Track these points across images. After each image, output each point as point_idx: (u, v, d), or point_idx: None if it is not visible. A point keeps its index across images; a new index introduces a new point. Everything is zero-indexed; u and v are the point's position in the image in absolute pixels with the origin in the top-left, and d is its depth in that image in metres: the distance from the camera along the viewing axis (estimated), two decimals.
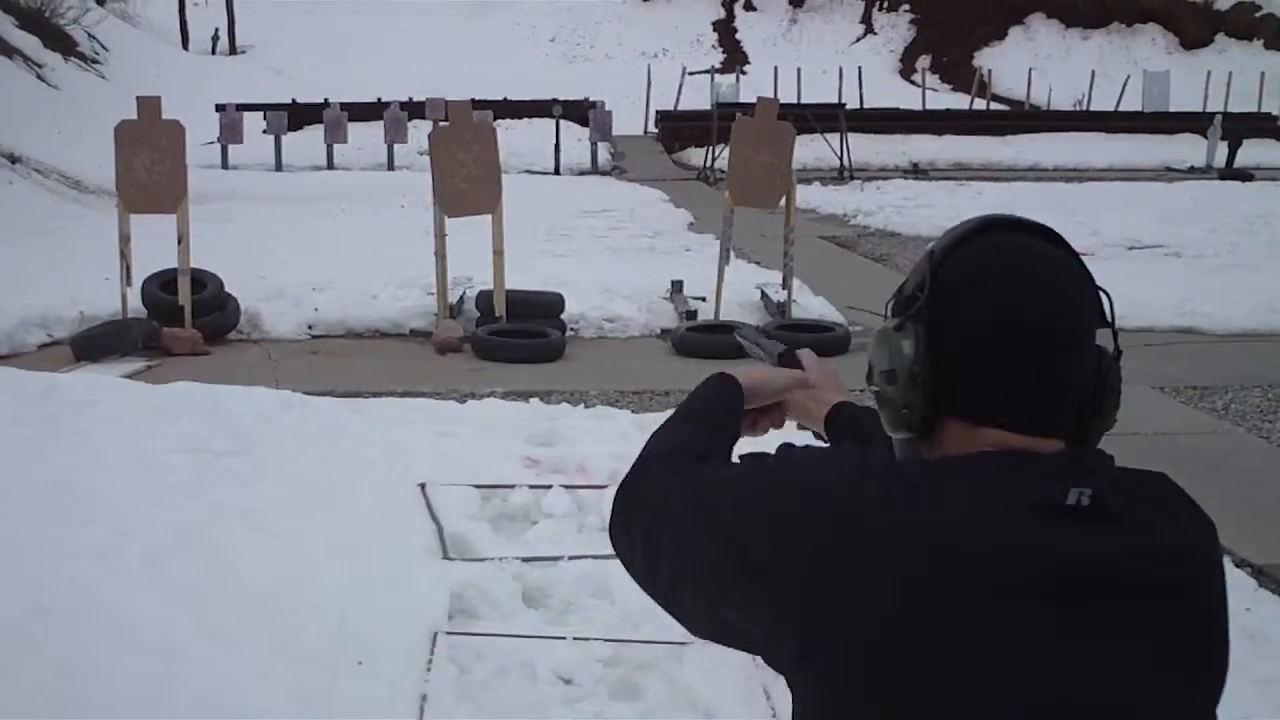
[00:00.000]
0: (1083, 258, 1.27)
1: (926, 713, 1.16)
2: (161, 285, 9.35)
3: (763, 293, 10.45)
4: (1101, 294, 1.27)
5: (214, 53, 36.80)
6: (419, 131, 20.31)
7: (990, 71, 33.19)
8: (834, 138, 23.40)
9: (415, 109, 23.43)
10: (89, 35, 27.50)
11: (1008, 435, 1.24)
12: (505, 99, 25.61)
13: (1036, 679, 1.16)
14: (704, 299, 10.07)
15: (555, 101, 23.82)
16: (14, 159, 16.10)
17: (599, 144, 23.86)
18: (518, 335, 9.10)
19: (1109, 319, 1.28)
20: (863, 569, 1.18)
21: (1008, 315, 1.22)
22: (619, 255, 13.30)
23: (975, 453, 1.23)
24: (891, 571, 1.17)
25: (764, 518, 1.26)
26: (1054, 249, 1.26)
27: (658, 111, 28.14)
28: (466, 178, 9.74)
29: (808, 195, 18.28)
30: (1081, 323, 1.25)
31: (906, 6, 40.55)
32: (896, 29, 40.19)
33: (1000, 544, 1.17)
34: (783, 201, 10.21)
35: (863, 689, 1.18)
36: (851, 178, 22.57)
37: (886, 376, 1.29)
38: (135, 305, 9.28)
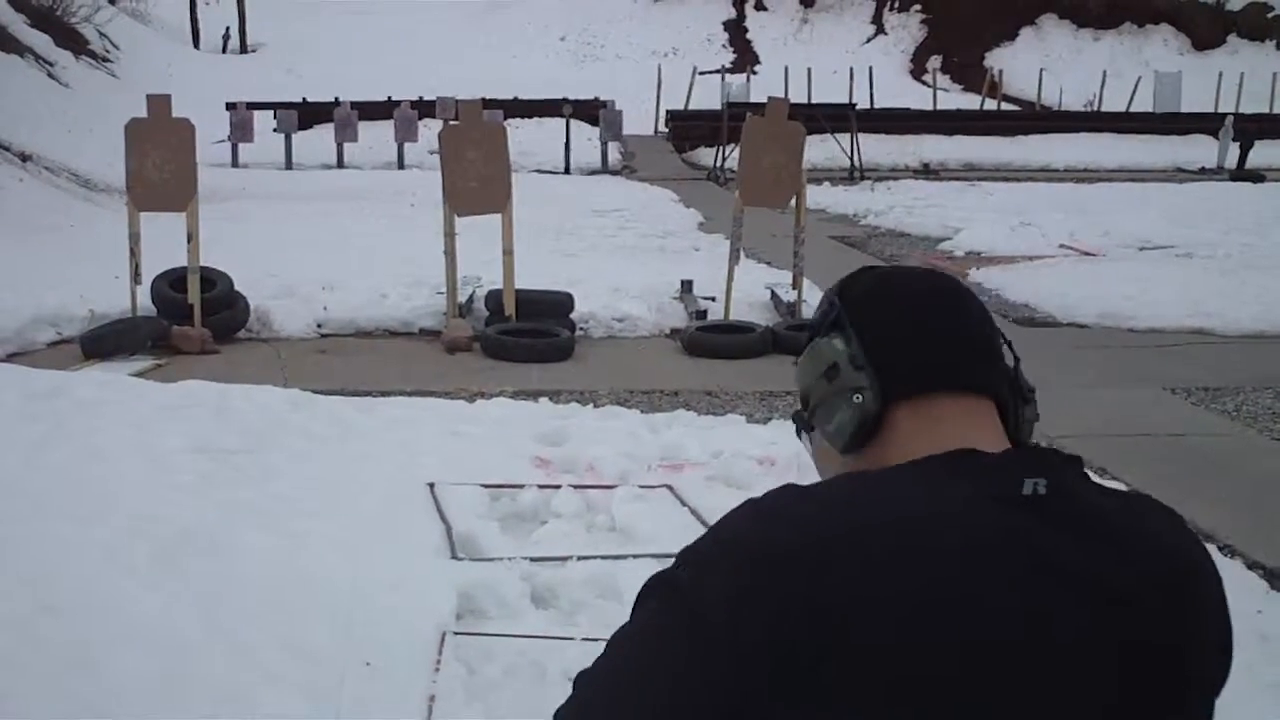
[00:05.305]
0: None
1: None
2: (171, 284, 9.37)
3: (773, 293, 10.44)
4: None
5: (225, 51, 36.90)
6: (429, 130, 20.33)
7: (1001, 72, 33.13)
8: (844, 138, 23.38)
9: (425, 108, 23.49)
10: (100, 33, 27.61)
11: (956, 410, 1.24)
12: (516, 98, 25.67)
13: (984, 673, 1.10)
14: (714, 299, 10.06)
15: (565, 101, 23.84)
16: (25, 157, 16.14)
17: (609, 143, 23.86)
18: (527, 335, 9.09)
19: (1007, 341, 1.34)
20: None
21: (915, 300, 1.30)
22: (629, 255, 13.29)
23: (923, 457, 1.21)
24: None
25: None
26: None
27: (668, 111, 28.13)
28: (476, 177, 9.73)
29: (818, 195, 18.26)
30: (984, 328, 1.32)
31: (918, 7, 40.50)
32: (907, 29, 40.15)
33: (975, 536, 1.13)
34: (793, 202, 10.20)
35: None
36: (862, 178, 22.56)
37: (828, 373, 1.29)
38: (145, 304, 9.30)
